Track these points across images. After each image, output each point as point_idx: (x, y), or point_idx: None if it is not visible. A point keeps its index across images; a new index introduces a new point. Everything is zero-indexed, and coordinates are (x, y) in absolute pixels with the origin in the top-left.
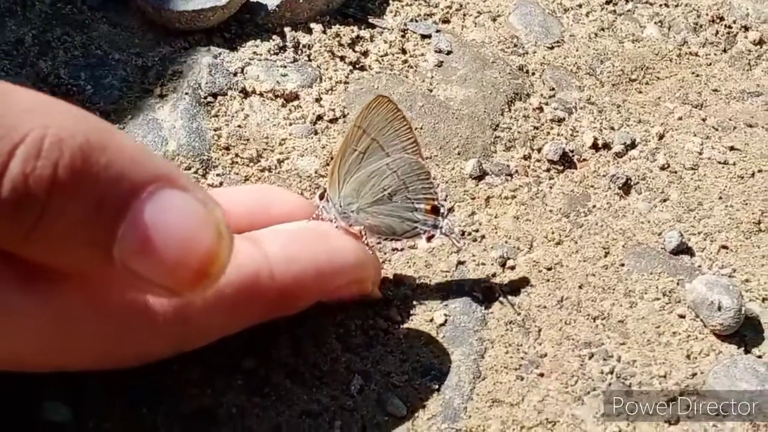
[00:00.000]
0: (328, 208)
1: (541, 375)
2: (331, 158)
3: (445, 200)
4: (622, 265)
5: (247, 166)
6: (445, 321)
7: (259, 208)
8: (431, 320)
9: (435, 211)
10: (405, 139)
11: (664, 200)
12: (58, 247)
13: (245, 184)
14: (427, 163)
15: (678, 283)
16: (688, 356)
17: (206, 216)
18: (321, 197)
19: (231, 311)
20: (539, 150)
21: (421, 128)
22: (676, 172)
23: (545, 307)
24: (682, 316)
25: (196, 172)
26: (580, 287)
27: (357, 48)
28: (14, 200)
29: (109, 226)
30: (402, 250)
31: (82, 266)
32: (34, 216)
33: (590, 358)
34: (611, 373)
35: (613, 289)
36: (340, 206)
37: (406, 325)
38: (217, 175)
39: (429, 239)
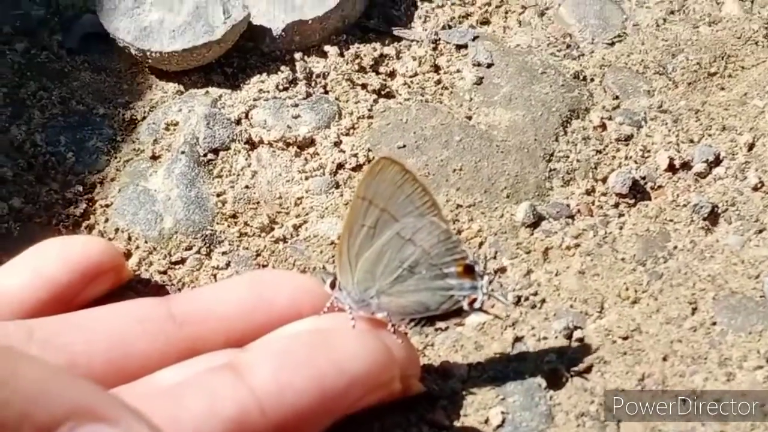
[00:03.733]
0: (342, 297)
1: None
2: None
3: (495, 257)
4: (714, 324)
5: (258, 236)
6: (503, 421)
7: (257, 305)
8: (486, 421)
9: (469, 270)
10: (420, 203)
11: (760, 231)
12: None
13: (238, 276)
14: (444, 221)
15: None
16: None
17: None
18: (332, 286)
19: None
20: (604, 181)
21: (461, 169)
22: None
23: (623, 390)
24: None
25: (198, 252)
26: (664, 359)
27: (381, 69)
28: None
29: None
30: (446, 329)
31: None
32: None
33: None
34: None
35: (705, 358)
36: (357, 294)
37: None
38: (223, 253)
39: (471, 305)
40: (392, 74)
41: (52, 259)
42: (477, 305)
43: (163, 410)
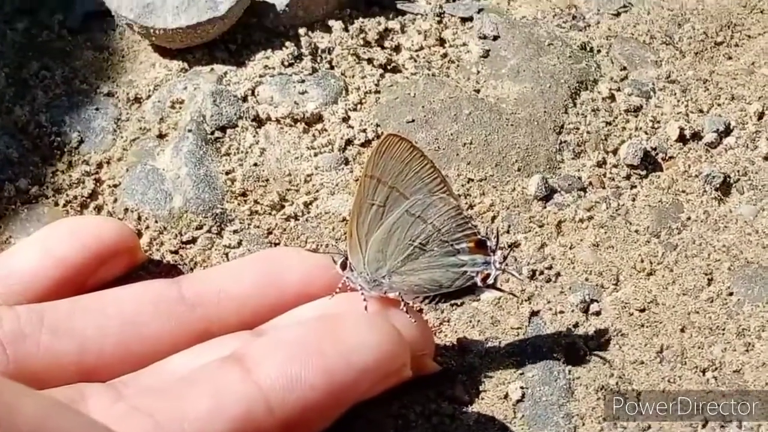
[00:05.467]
0: (353, 278)
1: None
2: None
3: (508, 231)
4: (731, 294)
5: (269, 215)
6: (523, 395)
7: (269, 283)
8: (505, 396)
9: (481, 246)
10: (429, 179)
11: None
12: None
13: (249, 256)
14: (454, 197)
15: None
16: None
17: None
18: (343, 267)
19: None
20: (615, 152)
21: (471, 143)
22: None
23: (642, 362)
24: None
25: (209, 231)
26: (682, 330)
27: (387, 44)
28: None
29: None
30: (462, 305)
31: None
32: None
33: (704, 426)
34: None
35: (723, 329)
36: (368, 274)
37: (475, 407)
38: (234, 231)
39: (485, 281)
40: (397, 48)
41: (63, 239)
42: (490, 281)
43: (167, 408)
